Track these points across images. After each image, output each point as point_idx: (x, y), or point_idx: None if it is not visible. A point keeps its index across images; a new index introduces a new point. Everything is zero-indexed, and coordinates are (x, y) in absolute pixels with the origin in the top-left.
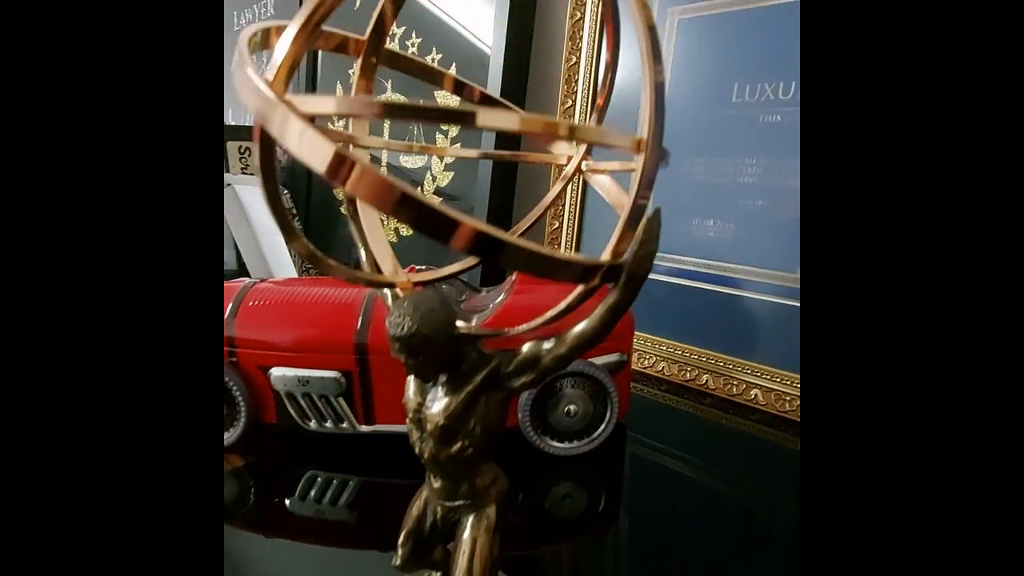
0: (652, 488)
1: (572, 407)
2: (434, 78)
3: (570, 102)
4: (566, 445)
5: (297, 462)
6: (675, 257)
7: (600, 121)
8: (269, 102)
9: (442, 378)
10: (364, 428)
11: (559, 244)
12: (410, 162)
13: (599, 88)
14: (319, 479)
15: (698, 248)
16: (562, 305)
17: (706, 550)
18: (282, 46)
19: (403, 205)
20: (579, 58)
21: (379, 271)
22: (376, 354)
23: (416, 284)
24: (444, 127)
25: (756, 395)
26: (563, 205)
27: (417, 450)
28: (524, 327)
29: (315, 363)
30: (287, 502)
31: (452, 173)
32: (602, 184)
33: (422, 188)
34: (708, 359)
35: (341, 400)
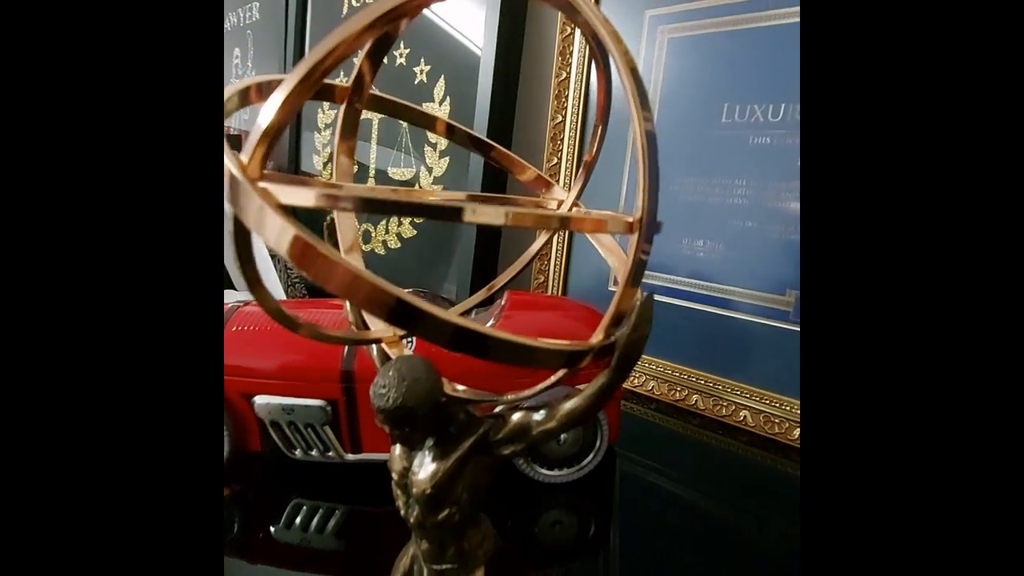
0: (642, 510)
1: (562, 435)
2: (425, 121)
3: (560, 118)
4: (556, 472)
5: (282, 491)
6: (665, 276)
7: (588, 176)
8: (245, 192)
9: (429, 442)
10: (351, 457)
11: (545, 285)
12: (399, 174)
13: (588, 143)
14: (305, 508)
15: (688, 267)
16: (551, 380)
17: (698, 573)
18: (267, 113)
19: (381, 304)
20: (569, 73)
21: (364, 325)
22: (363, 382)
23: (403, 337)
24: (433, 139)
25: (745, 416)
26: (550, 247)
27: (403, 513)
28: (514, 396)
29: (300, 391)
30: (272, 530)
31: (440, 187)
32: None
33: None
34: (698, 379)
35: (327, 429)
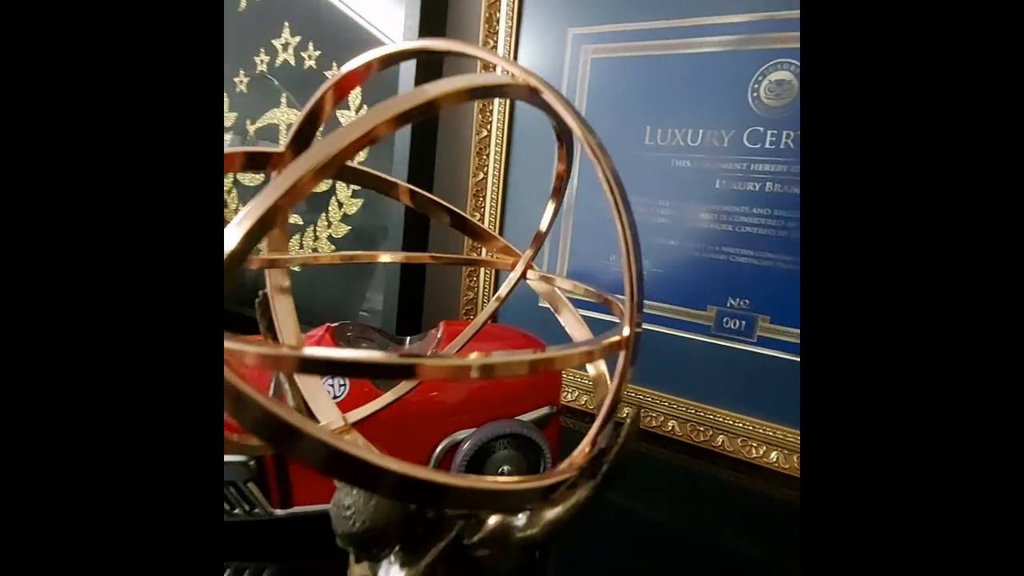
0: (586, 524)
1: (506, 467)
2: (384, 187)
3: (485, 132)
4: None
5: None
6: (593, 291)
7: (540, 245)
8: None
9: (395, 546)
10: (280, 512)
11: (475, 303)
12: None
13: (543, 219)
14: (229, 571)
15: (615, 283)
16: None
17: None
18: (227, 242)
19: (328, 458)
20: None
21: (308, 412)
22: None
23: (354, 425)
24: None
25: (673, 426)
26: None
27: None
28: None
29: None
30: None
31: (361, 200)
32: (552, 299)
33: (327, 214)
34: (627, 392)
35: (252, 485)
